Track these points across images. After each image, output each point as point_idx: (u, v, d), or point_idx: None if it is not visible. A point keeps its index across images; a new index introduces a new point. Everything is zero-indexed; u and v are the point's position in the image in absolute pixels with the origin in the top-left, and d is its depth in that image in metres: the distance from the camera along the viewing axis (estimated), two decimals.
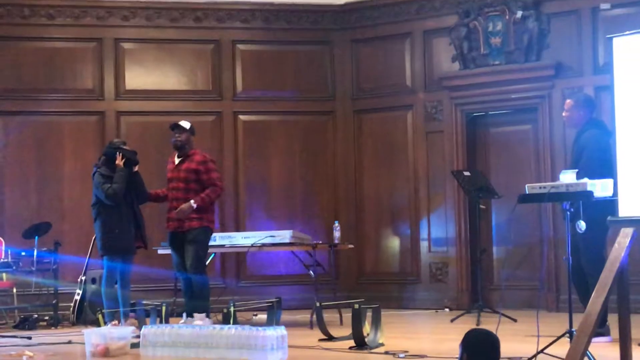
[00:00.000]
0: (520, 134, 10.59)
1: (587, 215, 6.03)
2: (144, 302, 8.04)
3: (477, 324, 8.12)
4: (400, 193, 11.16)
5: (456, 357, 4.42)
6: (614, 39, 6.98)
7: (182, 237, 8.22)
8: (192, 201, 8.10)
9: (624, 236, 4.46)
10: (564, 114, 7.61)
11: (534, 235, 10.18)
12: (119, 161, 8.40)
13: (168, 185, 8.39)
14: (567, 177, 5.95)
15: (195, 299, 8.11)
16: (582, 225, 5.86)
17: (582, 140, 7.16)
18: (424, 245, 10.94)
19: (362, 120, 11.52)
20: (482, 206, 9.49)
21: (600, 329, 6.54)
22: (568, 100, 7.57)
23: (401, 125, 11.21)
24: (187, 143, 8.32)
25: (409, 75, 11.15)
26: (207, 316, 7.87)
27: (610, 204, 6.50)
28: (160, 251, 9.54)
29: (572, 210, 5.89)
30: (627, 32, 7.00)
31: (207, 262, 9.64)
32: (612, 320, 6.16)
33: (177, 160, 8.33)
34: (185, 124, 8.35)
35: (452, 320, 8.90)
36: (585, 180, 5.89)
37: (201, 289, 8.18)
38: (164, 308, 7.34)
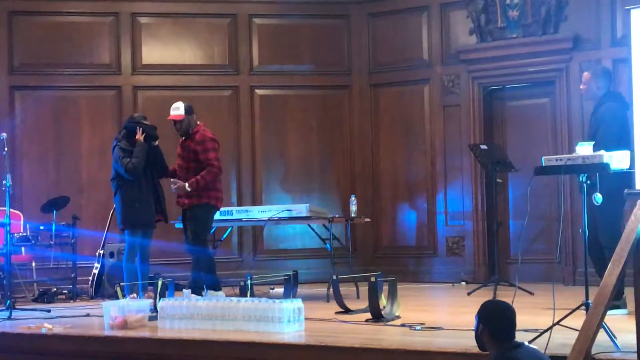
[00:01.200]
0: (538, 108, 10.54)
1: (604, 188, 6.02)
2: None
3: (494, 297, 8.12)
4: (417, 167, 11.16)
5: (472, 329, 4.44)
6: (632, 11, 6.94)
7: (185, 214, 8.32)
8: (186, 184, 8.12)
9: None
10: (581, 87, 7.58)
11: (551, 209, 10.16)
12: (139, 136, 8.42)
13: (177, 162, 8.48)
14: (584, 149, 5.93)
15: (193, 272, 8.17)
16: (598, 197, 5.84)
17: (599, 112, 7.13)
18: (440, 219, 10.94)
19: (378, 94, 11.50)
20: (499, 180, 9.46)
21: (616, 301, 6.53)
22: (585, 73, 7.54)
23: (418, 99, 11.18)
24: (188, 127, 8.30)
25: (425, 49, 11.11)
26: (210, 289, 7.92)
27: (626, 177, 6.49)
28: (178, 225, 9.57)
29: (588, 182, 5.87)
30: None
31: (225, 236, 9.77)
32: (629, 293, 6.17)
33: (183, 138, 8.37)
34: (180, 110, 8.26)
35: (468, 294, 8.91)
36: (602, 152, 5.86)
37: (197, 264, 8.22)
38: (160, 282, 7.36)
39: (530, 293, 8.37)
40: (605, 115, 7.02)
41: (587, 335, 4.08)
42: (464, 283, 10.44)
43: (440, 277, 10.77)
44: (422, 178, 11.10)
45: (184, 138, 8.35)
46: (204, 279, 8.18)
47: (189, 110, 8.31)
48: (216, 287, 8.21)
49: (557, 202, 10.08)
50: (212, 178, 8.22)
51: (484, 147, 9.20)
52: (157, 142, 8.58)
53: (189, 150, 8.25)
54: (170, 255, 10.19)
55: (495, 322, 4.11)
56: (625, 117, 6.87)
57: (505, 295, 7.74)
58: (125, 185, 8.41)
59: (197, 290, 7.93)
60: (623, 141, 6.64)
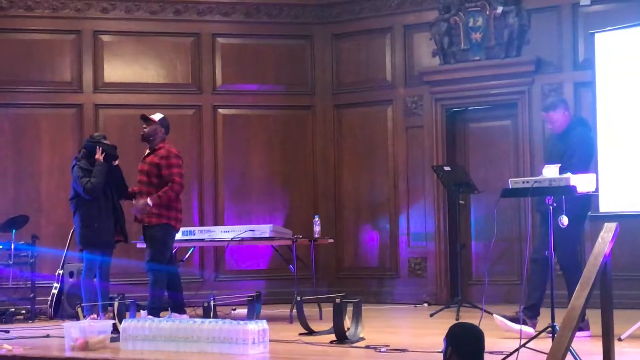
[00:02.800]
0: (500, 129, 10.61)
1: (565, 210, 6.04)
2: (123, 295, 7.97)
3: (457, 319, 8.12)
4: (380, 188, 11.17)
5: (438, 351, 4.42)
6: (596, 35, 7.05)
7: (145, 233, 8.24)
8: (148, 199, 8.02)
9: (608, 231, 4.46)
10: (548, 127, 7.48)
11: (512, 231, 10.21)
12: (99, 155, 8.34)
13: (138, 178, 8.36)
14: (550, 172, 5.96)
15: (150, 292, 8.05)
16: (564, 220, 5.87)
17: (570, 138, 7.03)
18: (403, 240, 10.95)
19: (342, 114, 11.51)
20: (461, 201, 9.50)
21: (579, 323, 6.55)
22: (543, 114, 7.40)
23: (381, 120, 11.21)
24: (153, 135, 8.24)
25: (389, 70, 11.15)
26: (155, 313, 7.75)
27: (585, 199, 6.54)
28: (139, 245, 9.48)
29: (554, 205, 5.89)
30: (609, 28, 7.07)
31: (186, 256, 9.69)
32: (591, 315, 6.20)
33: (146, 153, 8.28)
34: (156, 115, 8.29)
35: (431, 315, 8.91)
36: (569, 175, 5.90)
37: (154, 283, 8.08)
38: (115, 304, 7.27)
39: (493, 315, 8.36)
40: (578, 142, 6.99)
41: (556, 358, 4.07)
42: (426, 304, 10.45)
43: (403, 298, 10.76)
44: (385, 199, 11.11)
45: (146, 153, 8.25)
46: (162, 300, 8.09)
47: (163, 123, 8.30)
48: (180, 309, 8.13)
49: (519, 223, 10.16)
50: (174, 195, 8.13)
51: (447, 168, 9.23)
52: (117, 162, 8.49)
53: (152, 165, 8.14)
54: (132, 274, 10.10)
55: (464, 345, 4.09)
56: (592, 140, 6.93)
57: (468, 317, 7.77)
58: (84, 205, 8.31)
59: (154, 311, 7.80)
60: (592, 164, 6.70)
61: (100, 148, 8.38)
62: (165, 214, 8.11)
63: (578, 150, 6.96)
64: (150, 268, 8.07)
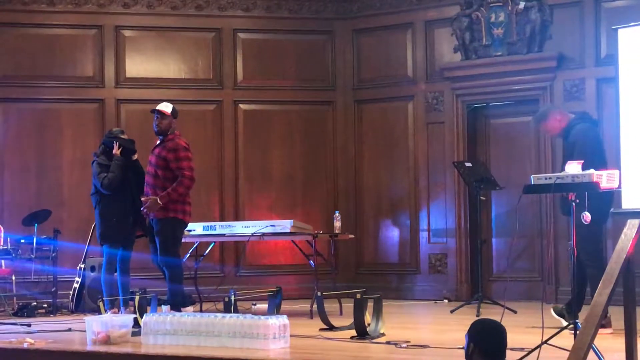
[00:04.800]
0: (521, 126, 10.55)
1: (588, 206, 6.01)
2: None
3: (477, 315, 8.11)
4: (400, 184, 11.15)
5: (460, 347, 4.41)
6: (619, 30, 7.00)
7: (151, 226, 8.12)
8: (157, 198, 7.89)
9: (631, 227, 4.44)
10: (549, 135, 7.51)
11: (533, 227, 10.17)
12: (116, 150, 8.36)
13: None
14: (573, 168, 5.93)
15: (170, 287, 8.00)
16: (586, 217, 5.84)
17: (571, 138, 7.09)
18: (423, 236, 10.93)
19: (362, 110, 11.50)
20: (482, 197, 9.47)
21: (602, 320, 6.53)
22: (542, 124, 7.43)
23: (402, 115, 11.19)
24: (169, 128, 8.12)
25: (410, 66, 11.13)
26: (180, 306, 7.80)
27: (608, 195, 6.51)
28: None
29: (577, 201, 5.86)
30: (632, 24, 7.02)
31: (207, 251, 9.71)
32: (613, 312, 6.17)
33: (157, 143, 8.19)
34: (167, 107, 8.17)
35: (452, 311, 8.90)
36: (592, 171, 5.87)
37: (172, 277, 8.02)
38: (137, 299, 7.29)
39: (514, 311, 8.35)
40: (577, 137, 7.00)
41: (578, 355, 4.05)
42: (446, 301, 10.43)
43: (423, 295, 10.75)
44: (406, 195, 11.09)
45: (157, 143, 8.18)
46: (183, 293, 8.10)
47: (174, 114, 8.21)
48: (187, 302, 8.11)
49: (540, 220, 10.12)
50: (184, 190, 7.95)
51: (468, 164, 9.21)
52: (136, 157, 8.50)
53: (159, 157, 8.01)
54: (153, 269, 10.10)
55: (487, 341, 4.08)
56: (597, 133, 6.89)
57: (488, 313, 7.75)
58: (104, 201, 8.35)
59: (176, 306, 7.82)
60: (597, 157, 6.66)
61: (117, 143, 8.40)
62: (172, 207, 7.96)
63: (577, 147, 6.93)
64: (164, 263, 8.04)
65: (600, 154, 6.93)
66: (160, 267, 8.09)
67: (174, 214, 7.99)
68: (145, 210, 7.98)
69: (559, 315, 7.05)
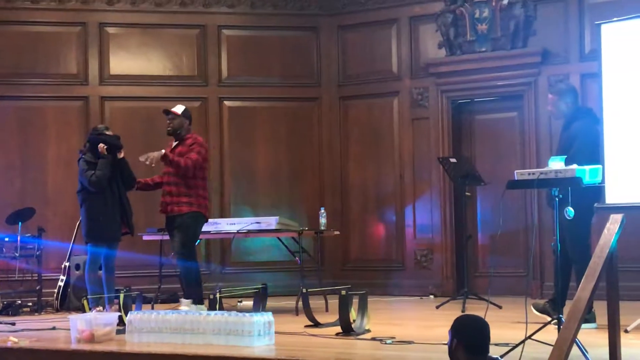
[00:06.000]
0: (506, 121, 10.59)
1: (573, 202, 6.03)
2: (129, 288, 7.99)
3: (463, 311, 8.12)
4: (386, 180, 11.15)
5: (444, 343, 4.40)
6: (602, 25, 7.00)
7: (169, 221, 8.18)
8: (162, 151, 8.01)
9: (614, 222, 4.45)
10: (549, 108, 7.61)
11: (518, 223, 10.18)
12: (103, 149, 8.33)
13: (163, 170, 8.30)
14: (556, 164, 5.94)
15: (185, 284, 8.05)
16: (570, 211, 5.86)
17: (572, 129, 7.14)
18: (409, 232, 10.94)
19: (347, 106, 11.50)
20: (467, 193, 9.48)
21: (586, 315, 6.55)
22: (550, 96, 7.54)
23: (387, 111, 11.19)
24: (180, 128, 8.24)
25: (395, 62, 11.13)
26: (196, 302, 7.84)
27: (594, 191, 6.53)
28: (145, 237, 9.51)
29: (560, 196, 5.88)
30: (615, 19, 7.03)
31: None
32: (597, 307, 6.19)
33: (173, 145, 8.28)
34: (178, 108, 8.29)
35: (437, 307, 8.90)
36: (574, 166, 5.88)
37: (186, 274, 8.13)
38: (121, 297, 7.27)
39: (499, 307, 8.36)
40: (579, 132, 7.05)
41: (562, 350, 4.06)
42: (432, 296, 10.44)
43: (409, 291, 10.76)
44: (391, 191, 11.10)
45: (174, 145, 8.23)
46: (201, 286, 8.12)
47: (186, 114, 8.29)
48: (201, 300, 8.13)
49: (525, 215, 10.14)
50: (184, 166, 7.94)
51: (453, 160, 9.20)
52: (122, 154, 8.47)
53: (181, 156, 8.11)
54: (138, 267, 10.14)
55: (470, 337, 4.07)
56: (597, 132, 6.91)
57: (474, 308, 7.77)
58: (90, 198, 8.31)
59: (199, 301, 7.87)
60: (595, 156, 6.68)
61: (104, 141, 8.37)
62: (195, 202, 8.08)
63: (576, 142, 6.96)
64: (181, 257, 8.07)
65: (597, 151, 6.94)
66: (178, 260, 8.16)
67: (197, 208, 8.11)
68: (145, 160, 7.95)
69: (541, 312, 7.05)
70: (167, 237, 9.27)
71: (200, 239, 9.86)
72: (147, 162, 7.99)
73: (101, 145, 8.31)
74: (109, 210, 8.30)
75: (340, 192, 11.40)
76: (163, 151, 8.03)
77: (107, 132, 8.52)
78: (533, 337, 5.51)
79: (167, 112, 8.29)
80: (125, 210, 8.45)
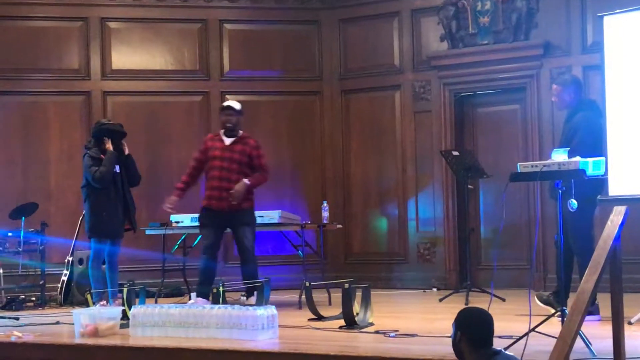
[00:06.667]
0: (508, 114, 10.58)
1: (576, 194, 6.03)
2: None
3: (466, 304, 8.12)
4: (388, 173, 11.15)
5: (447, 336, 4.41)
6: (605, 18, 6.99)
7: (229, 217, 8.15)
8: (245, 180, 8.08)
9: (617, 214, 4.44)
10: (553, 99, 7.64)
11: (521, 215, 10.19)
12: (109, 145, 8.32)
13: (210, 164, 8.23)
14: (559, 156, 5.94)
15: (250, 277, 8.10)
16: (574, 203, 5.85)
17: (574, 121, 7.16)
18: (411, 225, 10.94)
19: (349, 100, 11.49)
20: (470, 186, 9.47)
21: (589, 307, 6.55)
22: (555, 86, 7.57)
23: (389, 105, 11.18)
24: (237, 125, 8.30)
25: (397, 55, 11.12)
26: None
27: (597, 183, 6.53)
28: (148, 231, 9.52)
29: (563, 188, 5.88)
30: (618, 11, 7.01)
31: (195, 243, 9.73)
32: (601, 299, 6.19)
33: (227, 141, 8.26)
34: (236, 105, 8.33)
35: (440, 300, 8.91)
36: (578, 158, 5.88)
37: (255, 269, 8.26)
38: (125, 291, 7.28)
39: (502, 299, 8.37)
40: (581, 124, 7.06)
41: (565, 342, 4.06)
42: (435, 289, 10.44)
43: (412, 284, 10.76)
44: (393, 184, 11.10)
45: (230, 142, 8.25)
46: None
47: (242, 111, 8.41)
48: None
49: (528, 208, 10.13)
50: (263, 183, 8.37)
51: (455, 153, 9.20)
52: (127, 150, 8.47)
53: (243, 154, 8.21)
54: (141, 262, 10.14)
55: (473, 330, 4.08)
56: (600, 124, 6.90)
57: (477, 301, 7.77)
58: (94, 194, 8.32)
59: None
60: (598, 148, 6.68)
61: (109, 138, 8.36)
62: (252, 199, 8.27)
63: (578, 134, 6.96)
64: (253, 250, 8.28)
65: (600, 143, 6.93)
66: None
67: (252, 203, 8.32)
68: (232, 199, 8.04)
69: (545, 303, 7.07)
70: (169, 232, 9.33)
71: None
72: (236, 201, 8.05)
73: (107, 141, 8.29)
74: (112, 206, 8.32)
75: (342, 185, 11.40)
76: (247, 181, 8.09)
77: (107, 123, 8.55)
78: (537, 330, 5.50)
79: (228, 107, 8.31)
80: (128, 206, 8.47)
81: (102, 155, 8.33)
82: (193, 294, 8.06)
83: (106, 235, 8.33)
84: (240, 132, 8.34)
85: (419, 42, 10.98)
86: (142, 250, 9.92)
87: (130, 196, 8.53)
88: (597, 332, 5.72)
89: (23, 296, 9.47)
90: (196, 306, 6.68)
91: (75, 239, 9.76)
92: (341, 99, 11.50)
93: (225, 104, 8.44)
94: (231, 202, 8.06)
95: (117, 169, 8.43)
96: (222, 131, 8.33)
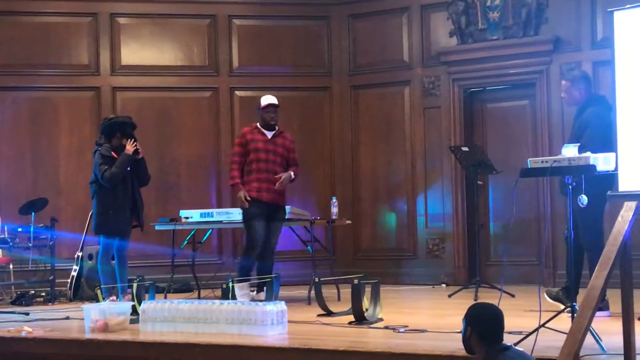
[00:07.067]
0: (518, 109, 10.56)
1: (586, 190, 6.01)
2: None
3: (475, 299, 8.12)
4: (397, 169, 11.14)
5: (457, 332, 4.41)
6: (615, 13, 6.95)
7: (273, 210, 8.34)
8: (291, 173, 8.39)
9: (628, 210, 4.44)
10: (562, 95, 7.63)
11: (530, 211, 10.17)
12: (130, 146, 8.28)
13: (253, 156, 8.36)
14: (570, 151, 5.93)
15: (265, 274, 8.14)
16: (584, 199, 5.83)
17: (584, 117, 7.15)
18: (420, 220, 10.93)
19: (359, 96, 11.48)
20: (479, 182, 9.46)
21: (599, 303, 6.54)
22: (564, 82, 7.56)
23: (398, 100, 11.17)
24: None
25: (406, 51, 11.10)
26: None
27: (608, 178, 6.51)
28: (157, 227, 9.53)
29: (574, 184, 5.86)
30: (628, 6, 6.98)
31: (205, 238, 9.79)
32: (611, 295, 6.18)
33: (269, 134, 8.45)
34: (276, 100, 8.53)
35: (449, 296, 8.89)
36: (588, 154, 5.87)
37: (272, 267, 8.37)
38: (134, 286, 7.29)
39: (512, 295, 8.36)
40: (591, 119, 7.05)
41: (576, 338, 4.07)
42: (444, 285, 10.43)
43: (421, 279, 10.75)
44: (403, 180, 11.09)
45: (271, 135, 8.43)
46: None
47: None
48: None
49: (537, 204, 10.12)
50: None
51: (465, 149, 9.19)
52: (142, 155, 8.45)
53: (284, 148, 8.48)
54: (150, 257, 10.15)
55: (484, 325, 4.09)
56: (610, 120, 6.87)
57: (486, 297, 7.77)
58: (102, 191, 8.30)
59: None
60: (608, 144, 6.65)
61: (132, 140, 8.32)
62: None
63: (588, 129, 6.95)
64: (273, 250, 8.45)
65: (610, 138, 6.91)
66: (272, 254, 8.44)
67: None
68: (279, 186, 8.30)
69: (554, 299, 7.06)
70: (179, 227, 9.34)
71: (212, 229, 9.93)
72: (281, 187, 8.31)
73: (127, 144, 8.27)
74: (120, 205, 8.29)
75: (351, 181, 11.39)
76: (292, 174, 8.38)
77: (115, 118, 8.57)
78: (547, 325, 5.50)
79: (273, 105, 8.48)
80: (137, 205, 8.44)
81: (113, 153, 8.32)
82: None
83: (113, 233, 8.31)
84: (280, 127, 8.58)
85: (428, 37, 10.96)
86: (151, 245, 9.93)
87: (139, 195, 8.50)
88: (607, 327, 5.71)
89: (33, 291, 9.51)
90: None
91: (85, 234, 9.78)
92: (350, 95, 11.49)
93: (268, 101, 8.47)
94: (279, 196, 8.33)
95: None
96: (258, 124, 8.50)
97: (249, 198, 8.26)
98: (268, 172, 8.31)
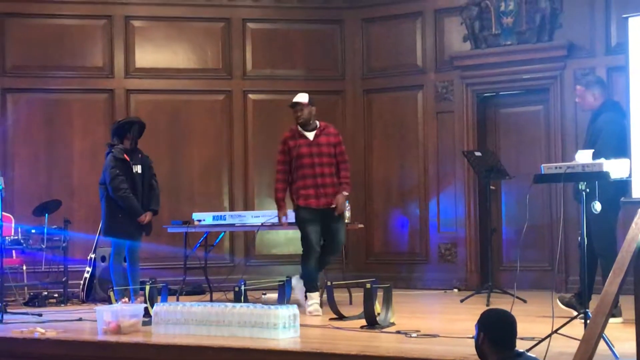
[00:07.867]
0: (531, 115, 10.54)
1: (600, 196, 6.00)
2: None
3: (487, 305, 8.11)
4: (410, 173, 11.14)
5: (469, 337, 4.40)
6: (630, 19, 6.95)
7: (326, 214, 8.07)
8: (344, 192, 8.08)
9: None
10: (577, 100, 7.62)
11: (543, 217, 10.15)
12: (148, 218, 8.35)
13: (298, 163, 8.05)
14: (583, 157, 5.92)
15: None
16: (597, 206, 5.82)
17: (599, 122, 7.14)
18: (433, 225, 10.91)
19: (372, 100, 11.48)
20: (492, 187, 9.45)
21: (612, 310, 6.52)
22: (578, 87, 7.55)
23: (411, 105, 11.16)
24: (310, 117, 8.12)
25: (419, 55, 11.10)
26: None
27: (621, 185, 6.50)
28: (170, 229, 9.55)
29: (587, 190, 5.85)
30: None
31: (217, 241, 9.81)
32: (624, 302, 6.16)
33: (310, 135, 8.11)
34: (304, 97, 8.12)
35: (462, 301, 8.89)
36: (602, 160, 5.85)
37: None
38: (147, 288, 7.31)
39: (524, 301, 8.34)
40: (605, 125, 7.04)
41: (589, 345, 4.06)
42: (456, 290, 10.42)
43: (433, 284, 10.74)
44: (415, 184, 11.08)
45: (313, 135, 8.09)
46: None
47: (312, 102, 8.16)
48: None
49: (550, 209, 10.10)
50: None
51: (478, 154, 9.18)
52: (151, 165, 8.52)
53: (330, 145, 8.09)
54: (163, 259, 10.18)
55: (497, 331, 4.08)
56: (624, 126, 6.87)
57: (498, 302, 7.74)
58: (110, 195, 8.35)
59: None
60: (621, 150, 6.65)
61: (130, 133, 8.39)
62: None
63: (602, 135, 6.94)
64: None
65: (623, 145, 6.90)
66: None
67: None
68: (338, 210, 8.06)
69: (567, 305, 7.05)
70: (191, 230, 9.37)
71: (224, 232, 9.95)
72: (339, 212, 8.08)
73: (144, 219, 8.34)
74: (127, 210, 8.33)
75: (364, 185, 11.39)
76: (344, 193, 8.09)
77: (122, 120, 8.62)
78: (559, 332, 5.49)
79: (294, 104, 8.11)
80: (146, 208, 8.44)
81: (125, 155, 8.35)
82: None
83: (121, 236, 8.34)
84: (317, 122, 8.17)
85: (441, 42, 10.96)
86: (164, 247, 9.96)
87: (155, 200, 8.51)
88: (619, 334, 5.70)
89: (46, 293, 9.54)
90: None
91: (98, 235, 9.80)
92: (363, 99, 11.50)
93: (294, 100, 8.16)
94: (331, 200, 8.01)
95: (140, 169, 8.45)
96: (298, 127, 8.15)
97: (286, 222, 8.20)
98: (315, 177, 8.02)
